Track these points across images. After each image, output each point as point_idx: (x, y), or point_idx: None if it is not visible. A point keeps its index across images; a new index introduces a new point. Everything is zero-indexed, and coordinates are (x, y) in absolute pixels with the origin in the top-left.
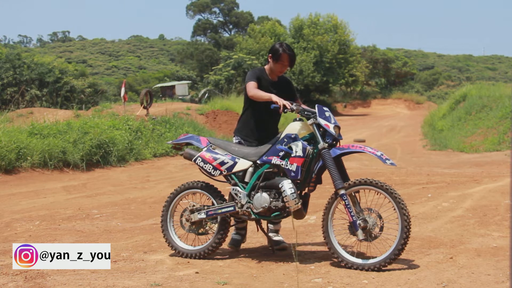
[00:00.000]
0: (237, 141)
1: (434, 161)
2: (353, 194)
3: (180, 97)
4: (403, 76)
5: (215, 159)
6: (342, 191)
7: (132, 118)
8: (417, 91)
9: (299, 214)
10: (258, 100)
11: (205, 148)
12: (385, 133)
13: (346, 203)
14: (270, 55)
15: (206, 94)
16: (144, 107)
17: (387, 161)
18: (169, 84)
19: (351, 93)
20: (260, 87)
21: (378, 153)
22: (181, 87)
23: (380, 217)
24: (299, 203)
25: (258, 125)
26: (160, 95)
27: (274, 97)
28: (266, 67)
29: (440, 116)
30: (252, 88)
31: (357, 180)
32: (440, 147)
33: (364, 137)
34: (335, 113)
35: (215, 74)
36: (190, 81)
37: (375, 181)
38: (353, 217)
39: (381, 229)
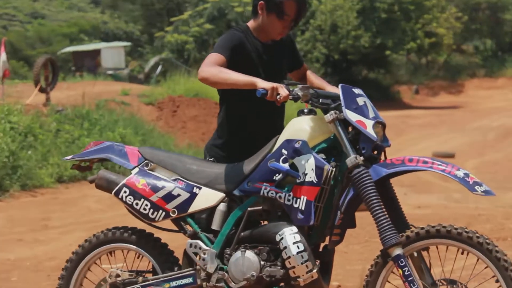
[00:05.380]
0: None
1: None
2: (417, 255)
3: (110, 72)
4: None
5: (156, 189)
6: (397, 250)
7: (18, 109)
8: None
9: (316, 287)
10: (226, 87)
11: (136, 169)
12: (493, 142)
13: (405, 271)
14: (262, 1)
15: (159, 68)
16: (42, 90)
17: (477, 187)
18: (90, 49)
19: (429, 68)
20: (242, 62)
21: (460, 174)
22: (112, 54)
23: None
24: (315, 269)
25: (250, 130)
26: (72, 68)
27: (259, 81)
28: (252, 23)
29: None
30: (210, 66)
31: (424, 228)
32: None
33: (453, 149)
34: (399, 102)
35: (176, 31)
36: (129, 43)
37: (458, 230)
38: None
39: None
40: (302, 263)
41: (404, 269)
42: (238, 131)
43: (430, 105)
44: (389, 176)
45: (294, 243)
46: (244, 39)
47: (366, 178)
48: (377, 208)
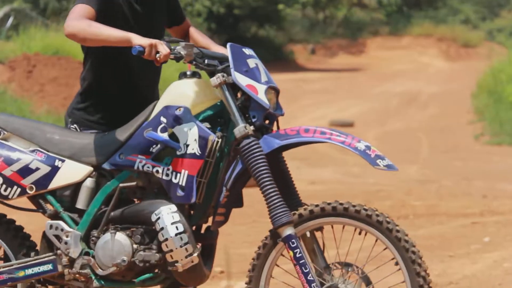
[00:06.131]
0: (74, 129)
1: (498, 168)
2: (310, 236)
3: None
4: None
5: (9, 161)
6: (288, 230)
7: None
8: (466, 21)
9: (196, 275)
10: (96, 44)
11: None
12: (397, 109)
13: (296, 254)
14: None
15: (10, 20)
16: None
17: (379, 161)
18: None
19: (326, 25)
20: (111, 15)
21: (361, 146)
22: None
23: (367, 280)
24: (196, 253)
25: (120, 91)
26: None
27: (135, 37)
28: None
29: None
30: (77, 20)
31: (318, 206)
32: None
33: (353, 117)
34: (293, 64)
35: None
36: None
37: (356, 207)
38: (311, 283)
39: None
40: (181, 246)
41: (295, 251)
42: (105, 92)
43: (327, 67)
44: (282, 148)
45: (172, 223)
46: None
47: (255, 150)
48: (267, 183)
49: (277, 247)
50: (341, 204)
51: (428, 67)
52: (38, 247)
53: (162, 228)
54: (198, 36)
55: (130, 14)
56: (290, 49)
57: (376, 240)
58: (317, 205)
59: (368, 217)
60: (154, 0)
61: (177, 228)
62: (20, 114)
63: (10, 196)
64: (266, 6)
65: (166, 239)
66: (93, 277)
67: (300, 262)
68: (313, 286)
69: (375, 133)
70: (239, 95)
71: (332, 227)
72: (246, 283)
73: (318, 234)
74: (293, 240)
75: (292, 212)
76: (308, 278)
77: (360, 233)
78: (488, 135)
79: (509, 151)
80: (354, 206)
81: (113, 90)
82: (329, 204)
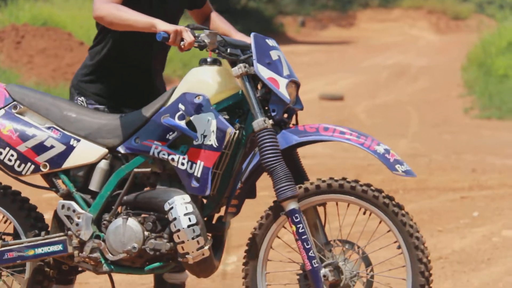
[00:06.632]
0: (80, 102)
1: (487, 142)
2: (314, 210)
3: None
4: None
5: (25, 137)
6: (292, 204)
7: None
8: None
9: (206, 267)
10: (122, 28)
11: (2, 111)
12: (386, 82)
13: (299, 229)
14: None
15: None
16: None
17: (398, 166)
18: None
19: None
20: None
21: (380, 149)
22: None
23: (367, 261)
24: (207, 246)
25: (127, 70)
26: None
27: (160, 23)
28: None
29: (502, 47)
30: (106, 2)
31: (321, 181)
32: (501, 112)
33: (343, 90)
34: (283, 36)
35: None
36: None
37: (356, 184)
38: (312, 260)
39: (369, 286)
40: (192, 238)
41: (298, 226)
42: (117, 70)
43: (317, 39)
44: (299, 145)
45: (185, 214)
46: None
47: (272, 144)
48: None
49: (279, 219)
50: (348, 182)
51: (418, 40)
52: (47, 224)
53: (174, 219)
54: (219, 22)
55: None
56: (280, 21)
57: (380, 222)
58: (324, 181)
59: (374, 198)
60: None
61: (189, 219)
62: None
63: (23, 173)
64: None
65: (178, 230)
66: (103, 261)
67: (302, 237)
68: (314, 262)
69: (365, 107)
70: (259, 86)
71: (337, 203)
72: (245, 252)
73: (320, 209)
74: (296, 215)
75: (298, 185)
76: (309, 254)
77: (364, 213)
78: (478, 108)
79: (498, 125)
80: (361, 185)
81: (126, 70)
82: (336, 180)
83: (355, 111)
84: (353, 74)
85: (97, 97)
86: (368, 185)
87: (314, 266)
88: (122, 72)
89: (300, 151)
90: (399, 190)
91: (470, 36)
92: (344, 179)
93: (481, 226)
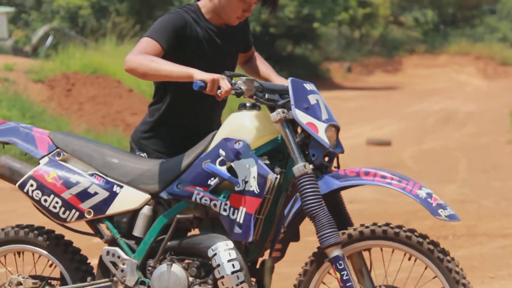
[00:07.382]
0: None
1: None
2: (359, 255)
3: None
4: (473, 7)
5: (69, 184)
6: (336, 251)
7: None
8: (503, 39)
9: None
10: (158, 79)
11: (46, 159)
12: (433, 128)
13: (343, 276)
14: None
15: (50, 39)
16: None
17: (440, 211)
18: None
19: (362, 43)
20: (187, 49)
21: (422, 194)
22: None
23: None
24: None
25: (190, 121)
26: None
27: (197, 72)
28: (204, 3)
29: None
30: (139, 54)
31: (366, 227)
32: None
33: (389, 135)
34: (329, 82)
35: None
36: (11, 9)
37: (399, 230)
38: None
39: None
40: (237, 285)
41: (342, 273)
42: (177, 122)
43: (364, 85)
44: (340, 189)
45: (229, 261)
46: (191, 21)
47: (312, 190)
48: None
49: (323, 266)
50: (392, 227)
51: (466, 86)
52: (92, 268)
53: (218, 265)
54: (260, 65)
55: (210, 48)
56: (326, 67)
57: (426, 267)
58: (367, 227)
59: (419, 244)
60: (235, 32)
61: (233, 266)
62: None
63: (68, 219)
64: (302, 24)
65: (222, 277)
66: None
67: (347, 285)
68: None
69: (412, 152)
70: (299, 130)
71: (381, 249)
72: None
73: (365, 254)
74: (340, 262)
75: (341, 231)
76: None
77: (409, 259)
78: None
79: None
80: (405, 231)
81: (185, 120)
82: (379, 226)
83: (402, 157)
84: (399, 119)
85: (158, 154)
86: (412, 231)
87: None
88: (182, 126)
89: (348, 196)
90: (449, 236)
91: None
92: (387, 224)
93: None
